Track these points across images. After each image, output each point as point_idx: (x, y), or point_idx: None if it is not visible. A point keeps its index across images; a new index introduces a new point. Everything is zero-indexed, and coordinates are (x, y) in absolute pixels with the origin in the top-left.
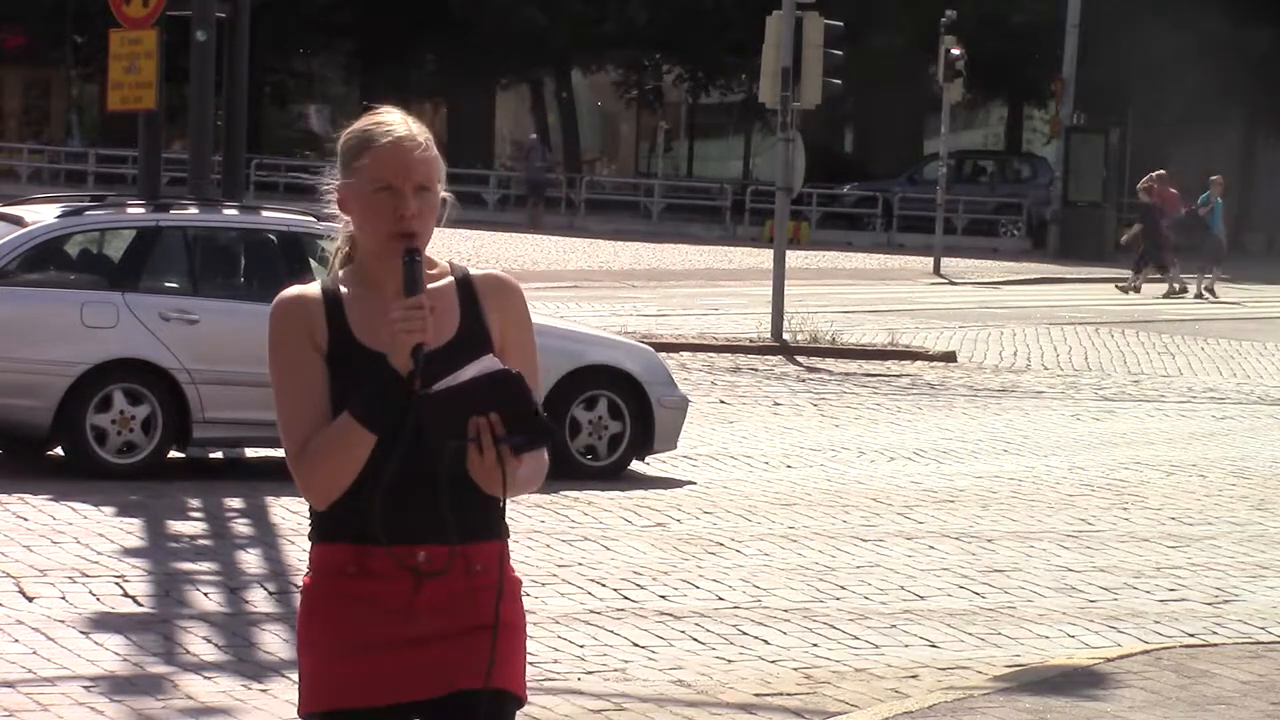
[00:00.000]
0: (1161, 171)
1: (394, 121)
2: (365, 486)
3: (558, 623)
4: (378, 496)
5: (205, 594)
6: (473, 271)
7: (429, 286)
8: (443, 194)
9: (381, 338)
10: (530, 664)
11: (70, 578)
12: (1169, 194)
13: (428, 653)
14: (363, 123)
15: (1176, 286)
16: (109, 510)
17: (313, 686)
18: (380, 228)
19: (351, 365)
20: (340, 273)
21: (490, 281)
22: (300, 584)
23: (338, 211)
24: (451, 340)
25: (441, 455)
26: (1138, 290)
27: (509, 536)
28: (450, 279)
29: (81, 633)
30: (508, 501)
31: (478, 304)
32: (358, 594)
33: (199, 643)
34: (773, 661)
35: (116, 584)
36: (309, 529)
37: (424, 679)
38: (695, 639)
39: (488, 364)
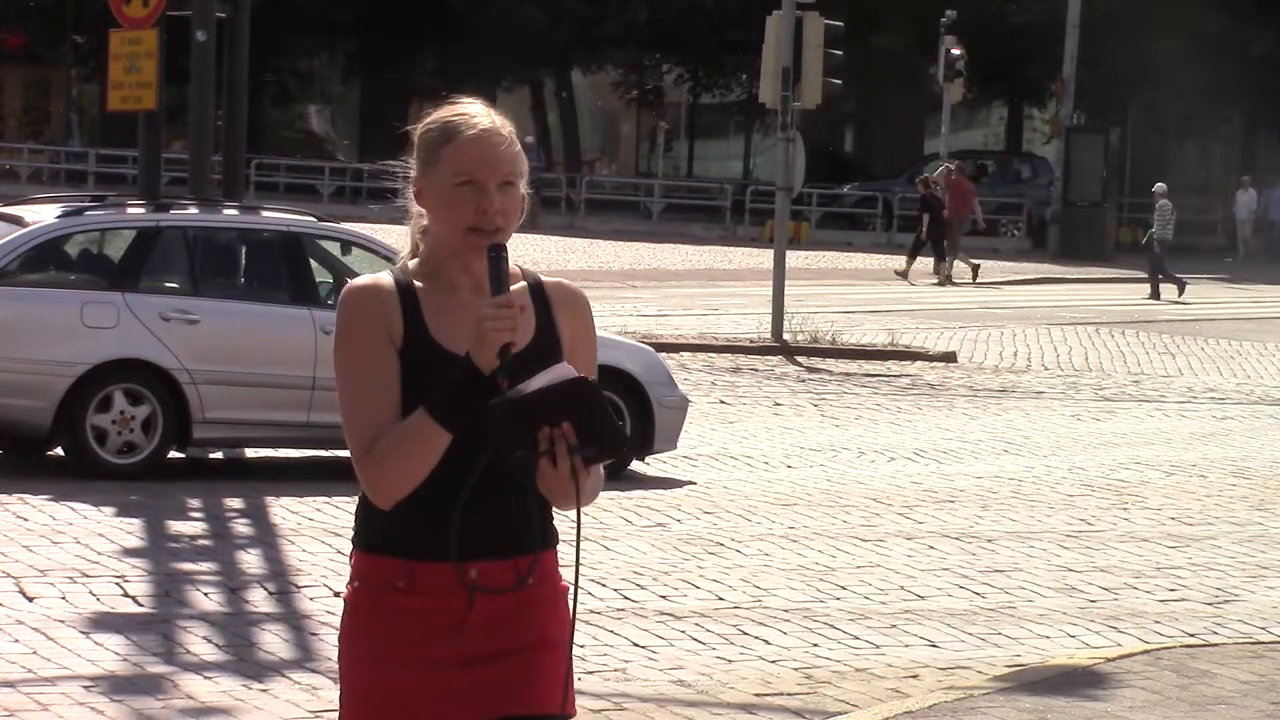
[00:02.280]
0: (959, 162)
1: (478, 113)
2: (418, 495)
3: None
4: (459, 508)
5: (205, 594)
6: (544, 278)
7: (510, 289)
8: (524, 191)
9: (461, 336)
10: None
11: (70, 578)
12: (963, 185)
13: (476, 674)
14: (444, 113)
15: (940, 277)
16: (109, 510)
17: (355, 703)
18: (461, 222)
19: (424, 364)
20: (410, 265)
21: (562, 290)
22: (340, 591)
23: (412, 204)
24: (527, 347)
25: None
26: (949, 279)
27: (558, 541)
28: (524, 283)
29: (81, 633)
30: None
31: (550, 311)
32: (406, 609)
33: (199, 643)
34: (773, 661)
35: (116, 584)
36: (353, 533)
37: (471, 702)
38: (695, 639)
39: (561, 372)
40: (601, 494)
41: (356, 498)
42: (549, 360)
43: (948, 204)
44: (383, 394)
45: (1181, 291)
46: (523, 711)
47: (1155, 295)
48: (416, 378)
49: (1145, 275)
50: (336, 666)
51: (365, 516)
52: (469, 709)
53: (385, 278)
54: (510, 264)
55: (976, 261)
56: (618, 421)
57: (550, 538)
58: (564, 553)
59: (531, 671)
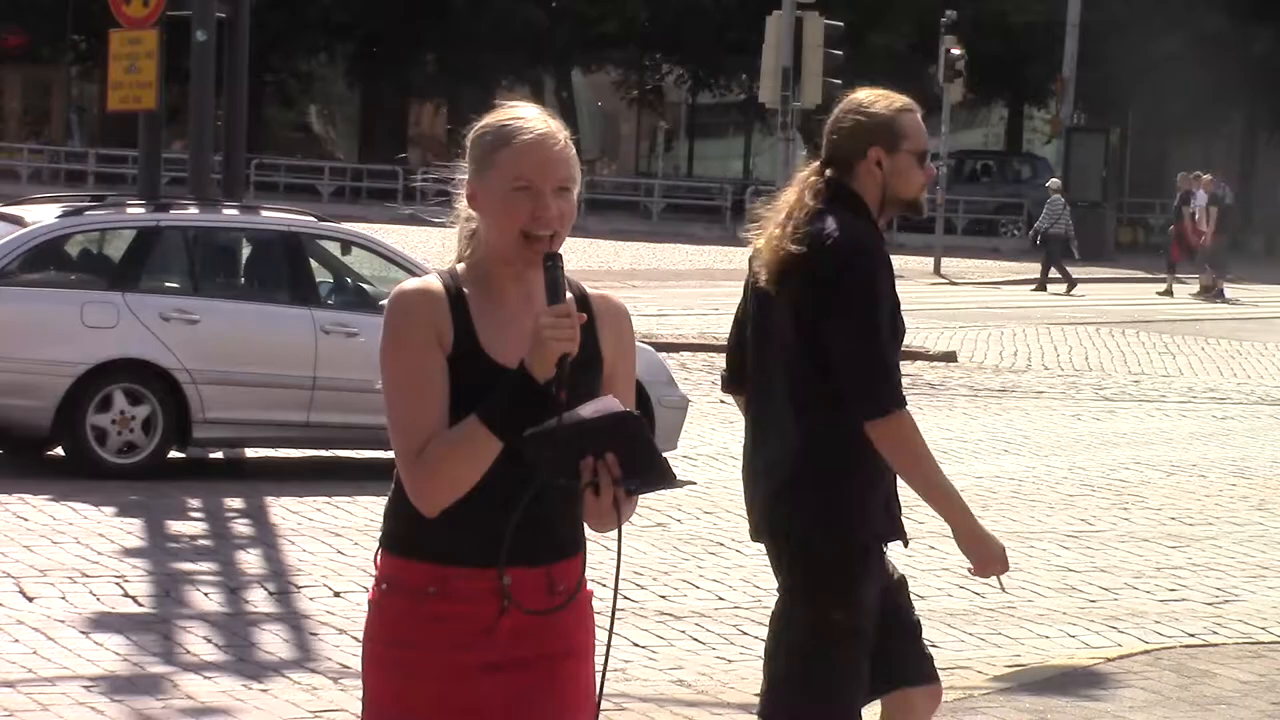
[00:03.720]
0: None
1: (533, 117)
2: (456, 501)
3: None
4: (515, 516)
5: (205, 594)
6: (589, 290)
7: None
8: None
9: (510, 346)
10: None
11: (70, 578)
12: None
13: (504, 679)
14: (498, 116)
15: None
16: (109, 510)
17: (377, 706)
18: (515, 228)
19: (472, 371)
20: (458, 269)
21: (607, 304)
22: (369, 596)
23: (464, 207)
24: (575, 359)
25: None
26: None
27: (586, 548)
28: (569, 295)
29: (81, 633)
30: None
31: (594, 324)
32: (438, 615)
33: (199, 643)
34: None
35: (116, 584)
36: (381, 535)
37: (499, 709)
38: (696, 639)
39: (608, 404)
40: None
41: (385, 498)
42: (592, 373)
43: None
44: (433, 399)
45: (1072, 287)
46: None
47: (1042, 288)
48: (463, 385)
49: (1150, 274)
50: (338, 666)
51: (398, 519)
52: (496, 716)
53: (435, 282)
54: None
55: None
56: (662, 455)
57: (580, 539)
58: (593, 554)
59: (560, 680)
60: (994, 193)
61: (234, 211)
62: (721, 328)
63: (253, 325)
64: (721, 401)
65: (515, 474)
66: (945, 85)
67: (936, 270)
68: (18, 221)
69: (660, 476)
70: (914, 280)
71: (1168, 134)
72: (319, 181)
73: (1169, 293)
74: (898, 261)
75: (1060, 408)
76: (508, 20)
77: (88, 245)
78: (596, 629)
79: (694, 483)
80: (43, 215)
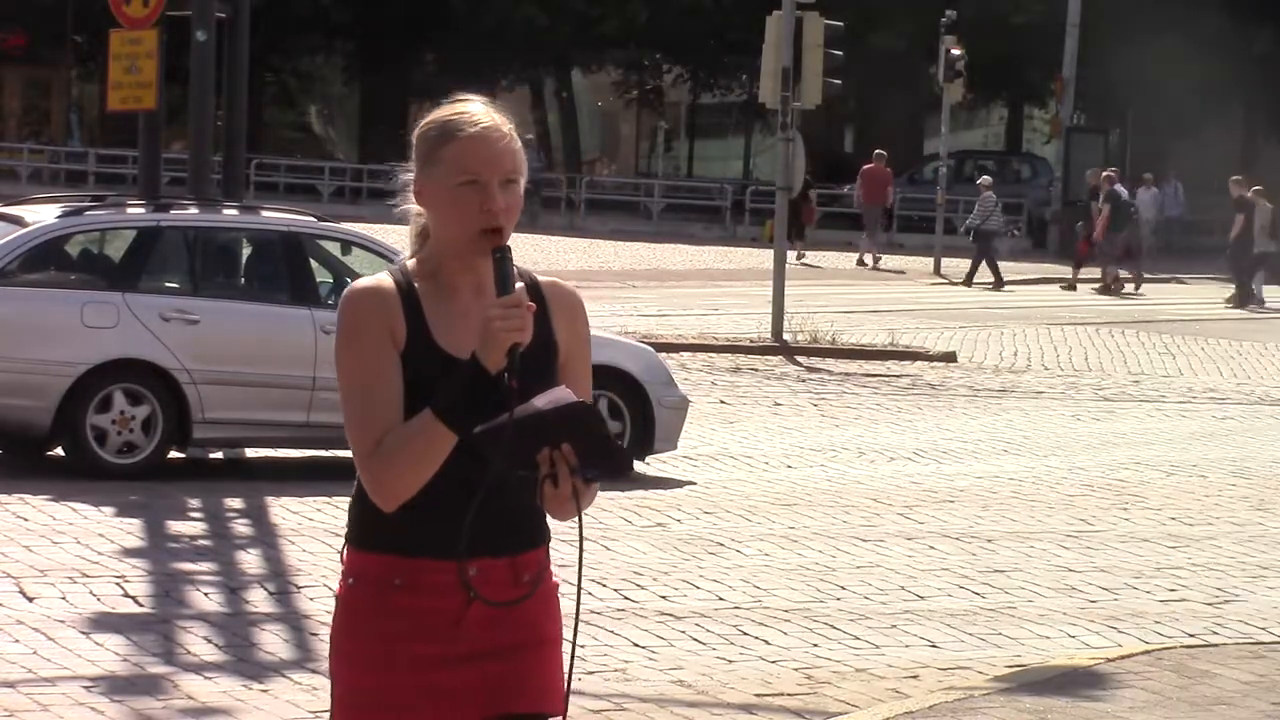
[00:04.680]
0: (880, 152)
1: (477, 111)
2: (418, 494)
3: None
4: (474, 505)
5: (205, 594)
6: (540, 278)
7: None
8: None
9: (463, 338)
10: None
11: (70, 578)
12: (879, 173)
13: (473, 671)
14: (443, 112)
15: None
16: (109, 510)
17: (349, 702)
18: (465, 223)
19: (426, 365)
20: (409, 265)
21: (559, 291)
22: (335, 590)
23: (411, 204)
24: (527, 348)
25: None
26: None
27: (550, 538)
28: (521, 284)
29: (81, 633)
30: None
31: (546, 313)
32: (404, 608)
33: (199, 643)
34: (773, 662)
35: (116, 584)
36: (347, 531)
37: (469, 699)
38: (695, 639)
39: (561, 395)
40: (602, 494)
41: (350, 496)
42: (545, 362)
43: (861, 192)
44: (387, 395)
45: (965, 279)
46: (522, 709)
47: (968, 282)
48: (417, 379)
49: (1150, 274)
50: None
51: (361, 514)
52: (467, 706)
53: (386, 279)
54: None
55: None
56: (618, 443)
57: (544, 531)
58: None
59: (529, 669)
60: (994, 193)
61: (234, 211)
62: (722, 328)
63: (253, 325)
64: (722, 402)
65: (475, 466)
66: (945, 85)
67: (936, 270)
68: (18, 221)
69: (617, 464)
70: (914, 280)
71: (1167, 134)
72: (319, 181)
73: (1071, 287)
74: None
75: (1060, 408)
76: (508, 20)
77: (88, 245)
78: (588, 630)
79: (693, 483)
80: (43, 215)
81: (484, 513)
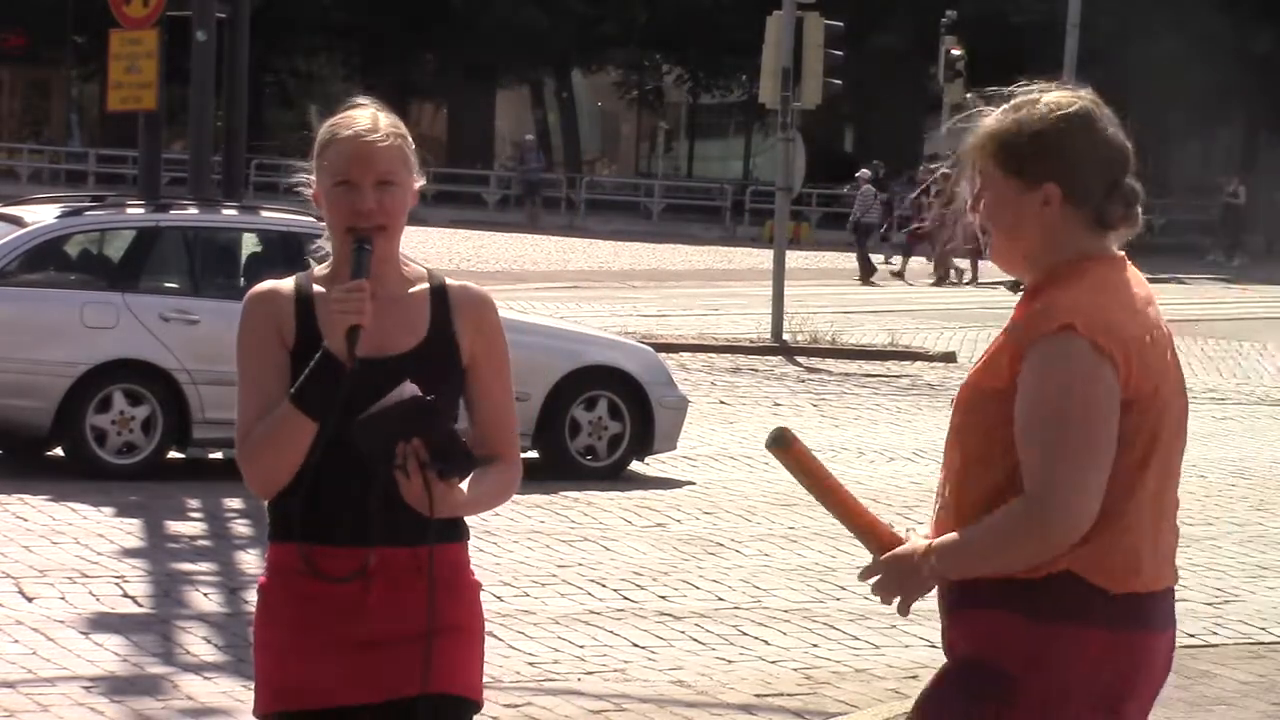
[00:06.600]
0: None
1: (358, 115)
2: (306, 483)
3: (558, 623)
4: (373, 492)
5: (205, 594)
6: (449, 281)
7: (409, 291)
8: (417, 185)
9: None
10: (530, 664)
11: (70, 578)
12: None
13: (376, 656)
14: (333, 117)
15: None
16: (109, 510)
17: (266, 687)
18: (339, 222)
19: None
20: (315, 270)
21: (466, 294)
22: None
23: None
24: (416, 348)
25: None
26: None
27: (468, 538)
28: (425, 285)
29: (81, 633)
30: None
31: (449, 314)
32: (308, 594)
33: (199, 643)
34: (773, 662)
35: (116, 584)
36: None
37: (370, 683)
38: (695, 639)
39: (405, 390)
40: (602, 494)
41: None
42: (437, 363)
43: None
44: (263, 393)
45: (869, 276)
46: (430, 690)
47: (866, 278)
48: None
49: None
50: None
51: (271, 508)
52: (373, 689)
53: (286, 282)
54: (424, 267)
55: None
56: (461, 439)
57: (454, 530)
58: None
59: (438, 655)
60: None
61: (234, 212)
62: (721, 328)
63: None
64: (721, 402)
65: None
66: (945, 85)
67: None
68: (18, 221)
69: (460, 461)
70: (914, 280)
71: (1168, 134)
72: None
73: (900, 275)
74: (896, 261)
75: None
76: (508, 20)
77: (88, 245)
78: (588, 630)
79: (693, 483)
80: (43, 215)
81: (390, 504)
